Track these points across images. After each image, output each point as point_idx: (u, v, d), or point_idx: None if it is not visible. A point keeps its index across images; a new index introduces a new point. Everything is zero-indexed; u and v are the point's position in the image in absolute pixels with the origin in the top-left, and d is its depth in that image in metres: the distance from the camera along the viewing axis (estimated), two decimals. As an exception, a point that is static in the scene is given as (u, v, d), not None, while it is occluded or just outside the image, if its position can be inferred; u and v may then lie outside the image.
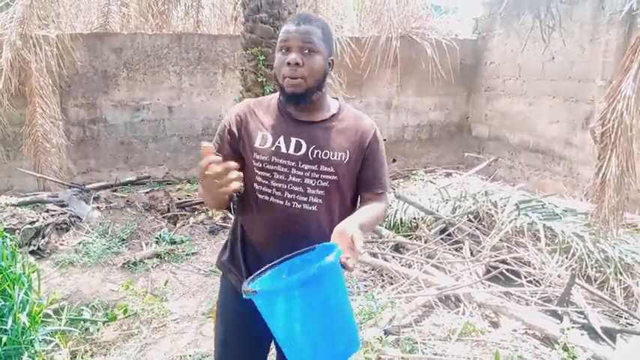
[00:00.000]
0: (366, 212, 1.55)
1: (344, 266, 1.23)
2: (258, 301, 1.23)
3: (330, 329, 1.25)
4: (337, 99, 1.68)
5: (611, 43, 5.51)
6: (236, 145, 1.60)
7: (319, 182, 1.53)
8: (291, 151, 1.53)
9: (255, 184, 1.56)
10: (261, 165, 1.54)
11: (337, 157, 1.55)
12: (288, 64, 1.47)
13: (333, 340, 1.26)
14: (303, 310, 1.19)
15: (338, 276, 1.24)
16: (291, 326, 1.22)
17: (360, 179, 1.62)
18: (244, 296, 1.22)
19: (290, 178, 1.53)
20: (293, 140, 1.54)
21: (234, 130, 1.59)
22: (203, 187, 1.37)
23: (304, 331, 1.22)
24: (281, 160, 1.53)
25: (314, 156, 1.53)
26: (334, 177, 1.54)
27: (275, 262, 1.39)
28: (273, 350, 1.79)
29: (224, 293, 1.75)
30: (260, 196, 1.56)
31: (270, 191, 1.54)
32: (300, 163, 1.53)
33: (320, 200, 1.54)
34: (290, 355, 1.30)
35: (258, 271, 1.35)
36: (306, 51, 1.48)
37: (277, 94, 1.64)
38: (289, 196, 1.53)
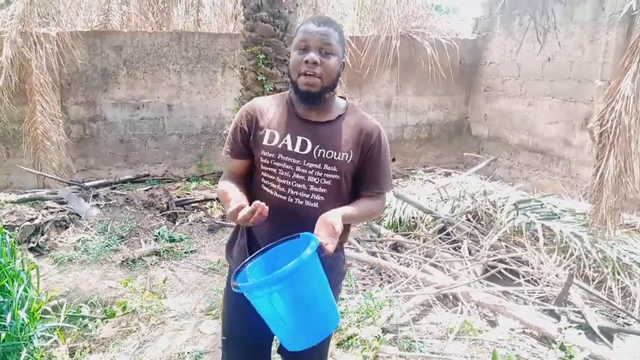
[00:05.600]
0: (357, 205, 1.64)
1: (322, 249, 1.37)
2: (245, 293, 1.35)
3: (306, 317, 1.39)
4: (345, 98, 1.73)
5: (610, 43, 5.51)
6: (247, 142, 1.67)
7: (322, 180, 1.59)
8: (297, 149, 1.59)
9: (262, 179, 1.64)
10: (268, 162, 1.61)
11: (341, 157, 1.60)
12: (306, 62, 1.53)
13: (308, 326, 1.40)
14: (281, 302, 1.32)
15: (312, 269, 1.34)
16: (274, 314, 1.36)
17: (360, 178, 1.68)
18: (233, 289, 1.35)
19: (294, 175, 1.59)
20: (299, 139, 1.60)
21: (245, 127, 1.66)
22: (232, 220, 1.48)
23: (284, 318, 1.36)
24: (286, 158, 1.59)
25: (318, 155, 1.59)
26: (337, 176, 1.60)
27: (262, 248, 1.52)
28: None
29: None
30: (265, 190, 1.62)
31: (275, 186, 1.61)
32: (304, 161, 1.59)
33: (322, 197, 1.59)
34: (276, 335, 1.45)
35: (247, 259, 1.49)
36: (324, 52, 1.54)
37: (286, 93, 1.71)
38: (292, 192, 1.59)
